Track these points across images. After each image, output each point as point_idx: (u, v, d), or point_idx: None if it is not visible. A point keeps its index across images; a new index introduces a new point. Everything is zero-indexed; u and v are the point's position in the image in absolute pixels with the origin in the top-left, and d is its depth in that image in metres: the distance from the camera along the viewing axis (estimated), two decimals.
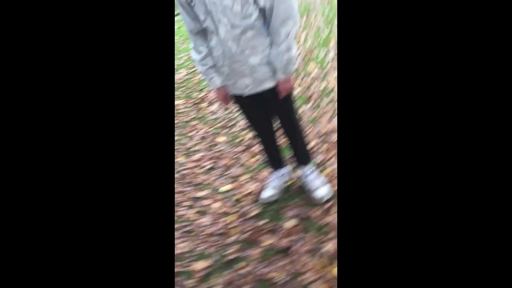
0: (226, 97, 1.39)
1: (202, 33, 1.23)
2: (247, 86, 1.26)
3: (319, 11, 4.33)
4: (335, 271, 1.25)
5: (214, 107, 3.04)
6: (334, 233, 1.40)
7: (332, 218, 1.46)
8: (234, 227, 1.66)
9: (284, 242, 1.44)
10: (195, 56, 1.30)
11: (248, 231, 1.59)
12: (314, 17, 4.18)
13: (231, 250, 1.53)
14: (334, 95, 2.41)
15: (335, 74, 2.69)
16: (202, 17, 1.14)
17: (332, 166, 1.78)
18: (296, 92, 2.70)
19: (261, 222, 1.61)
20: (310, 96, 2.55)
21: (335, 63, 2.85)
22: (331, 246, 1.34)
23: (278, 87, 1.26)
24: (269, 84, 1.26)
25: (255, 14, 1.10)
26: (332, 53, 3.06)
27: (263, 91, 1.28)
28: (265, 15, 1.12)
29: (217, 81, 1.33)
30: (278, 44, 1.14)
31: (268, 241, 1.50)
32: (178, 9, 1.20)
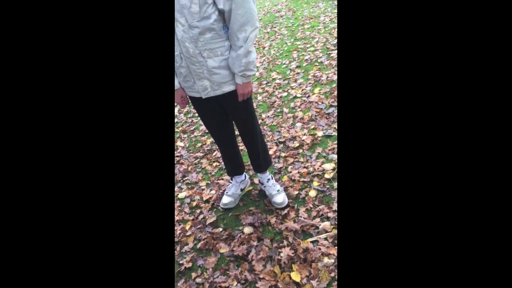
0: (184, 99, 1.35)
1: None
2: (205, 88, 1.23)
3: (283, 22, 4.45)
4: (288, 277, 1.25)
5: (175, 110, 2.95)
6: (290, 239, 1.41)
7: (288, 224, 1.47)
8: (189, 235, 1.60)
9: (240, 250, 1.41)
10: None
11: (203, 239, 1.54)
12: (279, 28, 4.29)
13: (186, 259, 1.47)
14: (296, 102, 2.47)
15: (297, 82, 2.76)
16: None
17: (290, 173, 1.80)
18: (259, 98, 2.72)
19: (217, 230, 1.57)
20: (273, 103, 2.59)
21: (297, 71, 2.93)
22: (286, 252, 1.34)
23: (237, 91, 1.25)
24: (228, 88, 1.24)
25: (214, 16, 1.08)
26: (295, 63, 3.14)
27: (222, 94, 1.26)
28: (224, 18, 1.10)
29: (175, 82, 1.28)
30: (236, 48, 1.12)
31: (224, 248, 1.46)
32: None
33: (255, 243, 1.44)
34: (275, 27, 4.36)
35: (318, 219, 1.47)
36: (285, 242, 1.40)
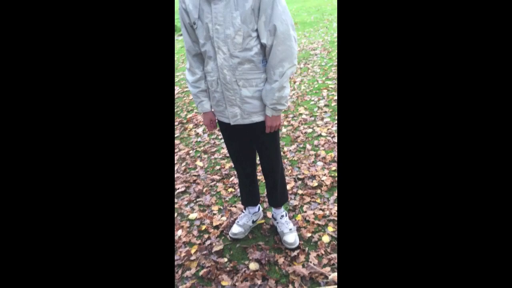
0: (212, 122, 1.36)
1: (200, 56, 1.23)
2: (235, 115, 1.24)
3: (317, 61, 4.55)
4: None
5: (200, 130, 3.01)
6: (297, 285, 1.32)
7: (296, 268, 1.39)
8: (193, 260, 1.55)
9: (242, 286, 1.34)
10: (189, 77, 1.29)
11: (207, 267, 1.49)
12: (312, 65, 4.38)
13: (186, 285, 1.41)
14: (320, 141, 2.44)
15: (323, 121, 2.75)
16: (202, 41, 1.15)
17: (304, 213, 1.73)
18: (283, 131, 2.71)
19: (222, 260, 1.51)
20: (296, 138, 2.57)
21: (325, 110, 2.93)
22: None
23: (265, 122, 1.25)
24: (257, 118, 1.25)
25: (256, 48, 1.11)
26: (323, 101, 3.16)
27: (250, 123, 1.26)
28: (265, 52, 1.13)
29: (206, 105, 1.31)
30: (271, 81, 1.14)
31: (226, 281, 1.40)
32: (181, 29, 1.20)
33: (259, 282, 1.36)
34: (308, 64, 4.46)
35: (328, 268, 1.39)
36: (291, 287, 1.32)
